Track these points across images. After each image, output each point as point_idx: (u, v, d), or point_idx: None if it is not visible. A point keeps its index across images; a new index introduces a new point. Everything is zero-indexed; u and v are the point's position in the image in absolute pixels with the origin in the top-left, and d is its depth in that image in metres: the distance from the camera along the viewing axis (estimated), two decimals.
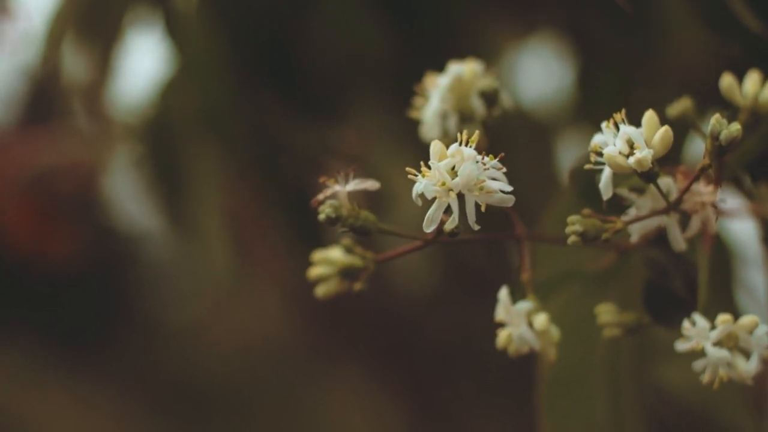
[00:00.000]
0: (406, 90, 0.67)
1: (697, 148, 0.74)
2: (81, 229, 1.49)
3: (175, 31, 1.06)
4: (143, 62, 1.19)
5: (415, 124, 0.66)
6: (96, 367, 1.75)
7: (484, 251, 1.28)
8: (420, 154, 0.54)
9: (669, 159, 0.54)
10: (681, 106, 0.61)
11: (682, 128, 0.57)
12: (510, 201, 0.52)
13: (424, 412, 1.58)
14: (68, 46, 1.13)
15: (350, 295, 0.60)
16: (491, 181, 0.52)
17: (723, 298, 0.67)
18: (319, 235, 1.08)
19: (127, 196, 1.51)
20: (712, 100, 0.66)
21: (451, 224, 0.53)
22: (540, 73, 1.27)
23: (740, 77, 0.60)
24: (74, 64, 1.17)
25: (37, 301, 1.71)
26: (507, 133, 1.03)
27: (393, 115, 1.08)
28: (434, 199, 0.52)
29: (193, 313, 1.78)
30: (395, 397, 1.59)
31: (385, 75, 1.07)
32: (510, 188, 0.52)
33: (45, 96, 1.48)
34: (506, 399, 1.45)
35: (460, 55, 0.66)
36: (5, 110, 1.55)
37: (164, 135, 1.15)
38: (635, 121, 0.54)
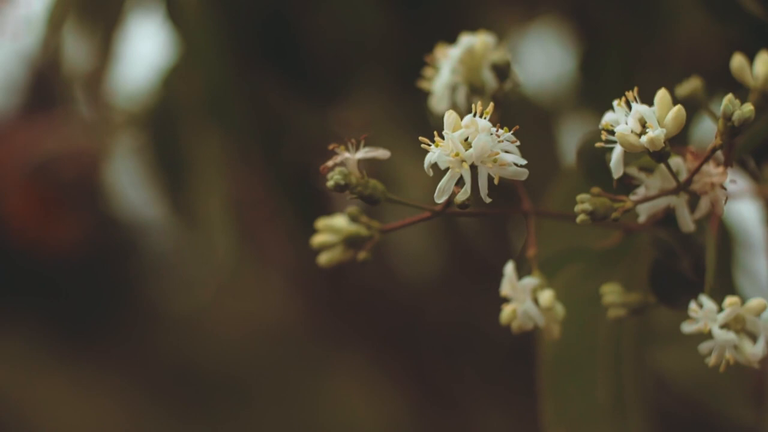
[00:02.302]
0: (409, 73, 0.66)
1: (702, 130, 0.74)
2: (84, 216, 1.49)
3: (176, 16, 1.06)
4: (145, 48, 1.19)
5: (418, 108, 0.66)
6: (98, 353, 1.75)
7: (487, 236, 1.28)
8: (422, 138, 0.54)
9: (675, 140, 0.54)
10: (690, 86, 0.61)
11: (689, 109, 0.57)
12: (523, 174, 0.52)
13: (427, 397, 1.58)
14: (69, 32, 1.13)
15: (353, 282, 0.59)
16: (505, 153, 0.52)
17: (723, 281, 0.66)
18: None
19: (130, 183, 1.51)
20: (716, 83, 0.66)
21: (462, 195, 0.52)
22: (543, 57, 1.26)
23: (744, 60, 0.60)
24: (75, 51, 1.16)
25: (40, 287, 1.71)
26: (509, 117, 1.03)
27: (396, 99, 1.08)
28: (446, 170, 0.52)
29: (196, 300, 1.78)
30: (398, 383, 1.59)
31: (388, 58, 1.07)
32: (524, 161, 0.52)
33: (46, 83, 1.48)
34: (508, 384, 1.45)
35: None
36: (7, 97, 1.54)
37: (166, 121, 1.14)
38: (641, 103, 0.54)
